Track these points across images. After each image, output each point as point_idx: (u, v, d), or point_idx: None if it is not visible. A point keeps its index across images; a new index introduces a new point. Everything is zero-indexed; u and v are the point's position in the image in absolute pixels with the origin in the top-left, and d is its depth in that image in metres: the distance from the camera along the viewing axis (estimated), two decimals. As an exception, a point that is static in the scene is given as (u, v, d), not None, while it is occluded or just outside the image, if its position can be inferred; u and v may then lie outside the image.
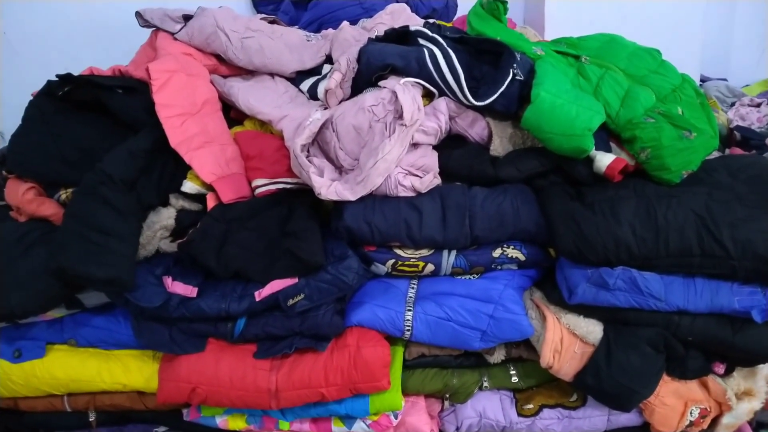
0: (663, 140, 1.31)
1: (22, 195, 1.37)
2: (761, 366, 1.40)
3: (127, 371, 1.38)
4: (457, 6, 2.33)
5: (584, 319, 1.33)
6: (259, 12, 2.46)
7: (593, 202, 1.31)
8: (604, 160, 1.33)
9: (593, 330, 1.32)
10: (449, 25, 2.09)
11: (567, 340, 1.33)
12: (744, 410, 1.40)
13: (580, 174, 1.36)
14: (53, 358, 1.39)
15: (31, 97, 1.49)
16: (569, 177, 1.39)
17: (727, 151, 1.98)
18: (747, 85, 2.49)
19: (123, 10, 2.33)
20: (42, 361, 1.38)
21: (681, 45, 2.24)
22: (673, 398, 1.36)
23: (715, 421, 1.43)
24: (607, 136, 1.42)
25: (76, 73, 1.43)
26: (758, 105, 2.28)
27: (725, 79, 2.47)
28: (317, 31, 2.05)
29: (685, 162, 1.32)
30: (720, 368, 1.39)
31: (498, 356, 1.39)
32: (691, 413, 1.37)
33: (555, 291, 1.37)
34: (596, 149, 1.34)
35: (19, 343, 1.39)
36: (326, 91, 1.44)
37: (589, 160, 1.35)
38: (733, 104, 2.31)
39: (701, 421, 1.39)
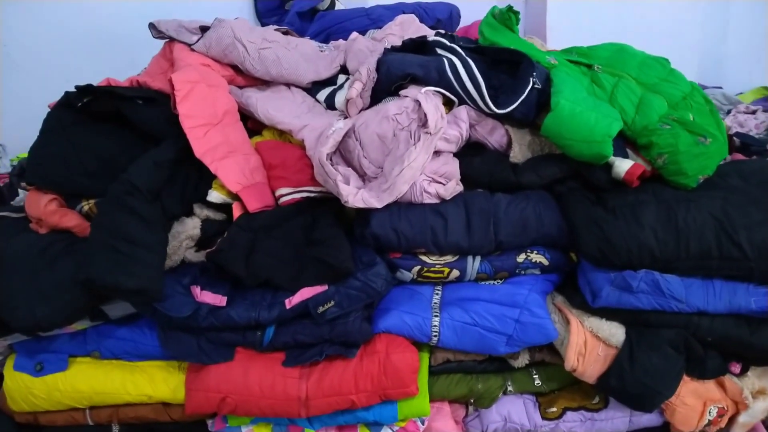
0: (680, 146, 1.35)
1: (45, 207, 1.36)
2: (775, 365, 1.44)
3: (152, 382, 1.37)
4: (460, 17, 2.37)
5: (607, 322, 1.36)
6: (263, 24, 2.48)
7: (615, 206, 1.33)
8: (623, 165, 1.37)
9: (616, 332, 1.35)
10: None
11: (590, 343, 1.35)
12: (759, 409, 1.43)
13: (600, 180, 1.39)
14: (76, 370, 1.38)
15: (49, 109, 1.49)
16: (587, 183, 1.42)
17: (728, 157, 2.03)
18: (741, 93, 2.56)
19: (123, 21, 2.35)
20: (65, 374, 1.37)
21: (678, 53, 2.28)
22: (692, 398, 1.38)
23: (731, 420, 1.46)
24: (623, 143, 1.45)
25: (78, 84, 1.43)
26: (753, 112, 2.34)
27: (720, 87, 2.53)
28: (325, 41, 2.07)
29: (701, 167, 1.36)
30: (736, 368, 1.42)
31: (522, 360, 1.41)
32: (709, 413, 1.40)
33: (577, 295, 1.39)
34: (614, 155, 1.37)
35: (40, 357, 1.38)
36: (347, 101, 1.45)
37: (608, 166, 1.38)
38: (729, 111, 2.37)
39: (719, 420, 1.42)
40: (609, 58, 1.60)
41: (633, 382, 1.30)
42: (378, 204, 1.30)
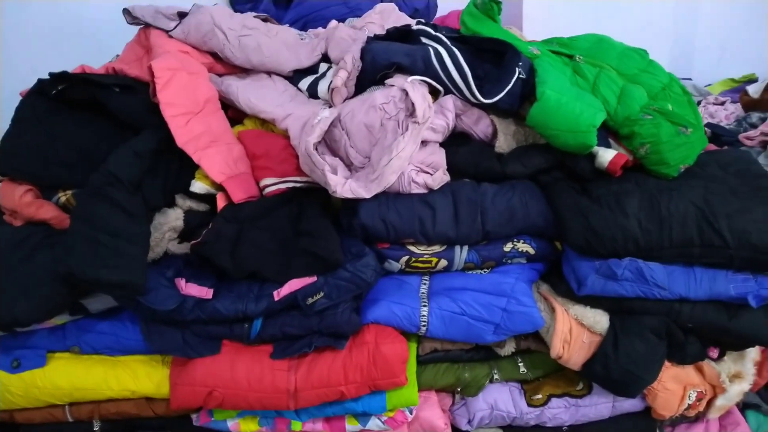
0: (662, 136, 1.37)
1: (20, 198, 1.31)
2: (750, 349, 1.48)
3: (135, 377, 1.34)
4: (437, 6, 2.36)
5: (591, 310, 1.38)
6: (236, 11, 2.42)
7: (599, 196, 1.35)
8: (606, 155, 1.38)
9: (600, 320, 1.37)
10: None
11: (575, 330, 1.37)
12: (735, 392, 1.47)
13: (583, 169, 1.40)
14: (55, 366, 1.34)
15: (21, 97, 1.43)
16: (571, 172, 1.43)
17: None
18: (709, 84, 2.61)
19: (90, 7, 2.28)
20: (43, 371, 1.33)
21: (650, 44, 2.33)
22: (673, 383, 1.42)
23: (709, 403, 1.50)
24: (605, 133, 1.47)
25: (51, 72, 1.38)
26: (722, 103, 2.40)
27: (690, 79, 2.59)
28: (302, 29, 2.04)
29: (683, 156, 1.38)
30: (714, 353, 1.46)
31: (508, 349, 1.42)
32: (689, 396, 1.43)
33: (561, 283, 1.41)
34: (598, 145, 1.39)
35: (17, 353, 1.33)
36: (332, 90, 1.44)
37: (592, 156, 1.40)
38: (699, 103, 2.43)
39: (698, 403, 1.45)
40: (589, 49, 1.62)
41: (617, 369, 1.32)
42: (366, 194, 1.29)
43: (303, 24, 2.11)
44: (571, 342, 1.37)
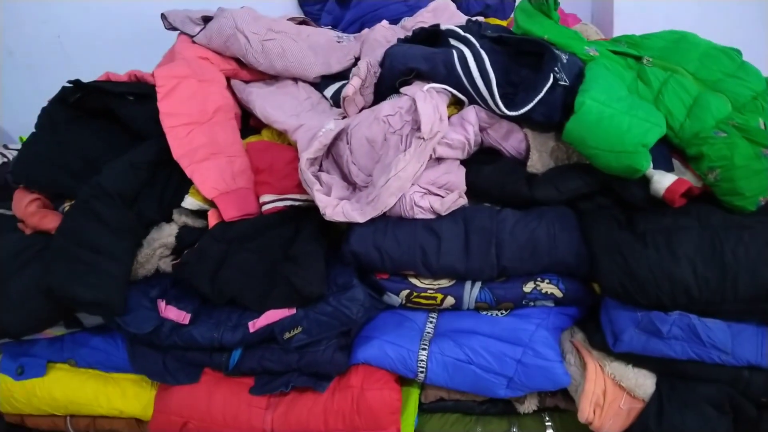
0: (736, 159, 1.08)
1: (25, 207, 1.31)
2: None
3: (124, 397, 1.29)
4: (515, 1, 2.13)
5: (633, 369, 1.13)
6: (305, 12, 2.35)
7: (646, 231, 1.10)
8: (663, 181, 1.12)
9: (643, 383, 1.11)
10: (503, 23, 1.90)
11: (611, 393, 1.12)
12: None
13: (634, 196, 1.15)
14: (54, 377, 1.33)
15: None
16: (621, 199, 1.19)
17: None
18: None
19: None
20: (42, 381, 1.32)
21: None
22: (742, 470, 1.13)
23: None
24: (669, 152, 1.20)
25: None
26: None
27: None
28: (359, 30, 1.92)
29: (762, 186, 1.08)
30: (803, 434, 1.14)
31: (529, 406, 1.20)
32: (765, 489, 1.14)
33: (599, 333, 1.16)
34: (655, 167, 1.13)
35: (21, 360, 1.34)
36: (344, 99, 1.30)
37: (646, 180, 1.14)
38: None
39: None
40: (665, 48, 1.34)
41: (660, 446, 1.07)
42: (360, 218, 1.14)
43: (361, 24, 1.98)
44: (604, 406, 1.13)
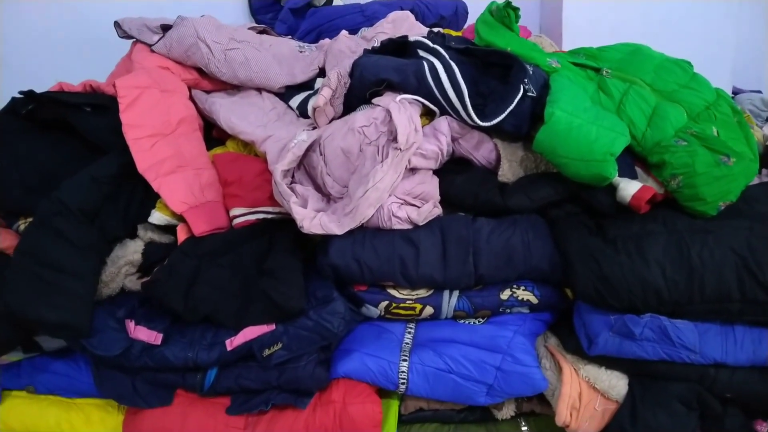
0: (697, 166, 1.14)
1: (-24, 225, 1.23)
2: (810, 423, 1.22)
3: (88, 423, 1.23)
4: (467, 13, 2.17)
5: (606, 372, 1.16)
6: (258, 21, 2.33)
7: (616, 237, 1.13)
8: (629, 188, 1.16)
9: (616, 384, 1.15)
10: (459, 34, 1.93)
11: (586, 395, 1.15)
12: (791, 474, 1.21)
13: (602, 204, 1.19)
14: (10, 406, 1.25)
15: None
16: (589, 207, 1.22)
17: (765, 172, 1.79)
18: (783, 98, 2.29)
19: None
20: (-2, 410, 1.24)
21: (711, 54, 2.06)
22: (709, 463, 1.18)
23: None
24: (632, 161, 1.25)
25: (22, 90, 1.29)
26: (797, 119, 2.08)
27: (760, 91, 2.27)
28: (316, 41, 1.91)
29: (722, 192, 1.14)
30: (763, 426, 1.20)
31: (507, 411, 1.22)
32: (730, 480, 1.19)
33: (572, 337, 1.19)
34: (620, 175, 1.17)
35: (-26, 388, 1.26)
36: (314, 109, 1.28)
37: (612, 188, 1.18)
38: (768, 119, 2.12)
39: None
40: (621, 60, 1.40)
41: (635, 444, 1.11)
42: (338, 230, 1.13)
43: (317, 35, 1.98)
44: (580, 409, 1.16)
